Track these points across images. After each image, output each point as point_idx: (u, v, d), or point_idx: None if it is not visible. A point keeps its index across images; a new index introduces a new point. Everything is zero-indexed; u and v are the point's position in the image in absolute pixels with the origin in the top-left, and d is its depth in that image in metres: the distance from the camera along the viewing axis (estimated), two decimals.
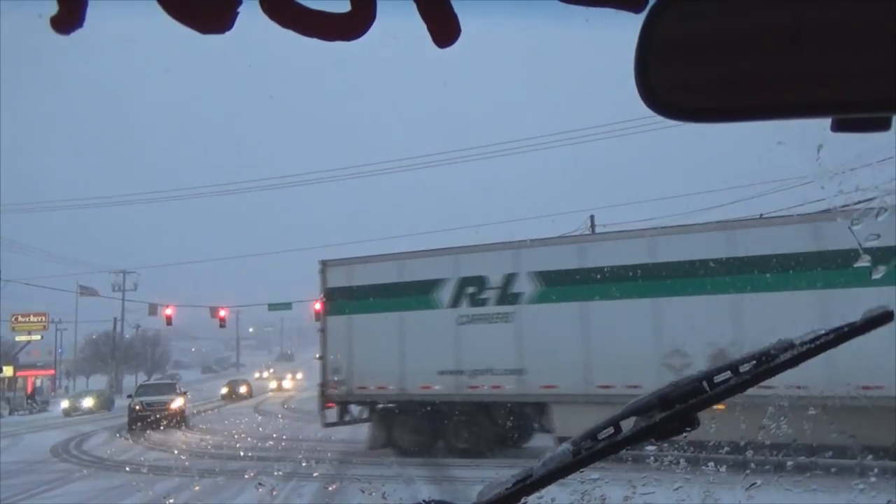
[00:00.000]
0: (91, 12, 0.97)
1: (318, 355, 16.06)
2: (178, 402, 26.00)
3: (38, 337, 63.31)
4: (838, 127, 1.04)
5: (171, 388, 28.88)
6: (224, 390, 47.15)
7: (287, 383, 54.07)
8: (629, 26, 1.02)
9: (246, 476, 11.79)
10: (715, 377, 1.29)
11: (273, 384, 54.82)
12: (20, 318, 59.43)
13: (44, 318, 61.85)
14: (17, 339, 61.30)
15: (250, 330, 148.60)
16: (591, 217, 38.12)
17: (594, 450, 1.26)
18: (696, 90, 1.03)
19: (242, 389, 46.71)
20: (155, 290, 57.60)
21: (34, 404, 42.02)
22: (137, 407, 25.22)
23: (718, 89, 1.02)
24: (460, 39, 1.09)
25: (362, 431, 15.43)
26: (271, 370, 67.51)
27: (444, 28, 1.02)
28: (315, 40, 1.03)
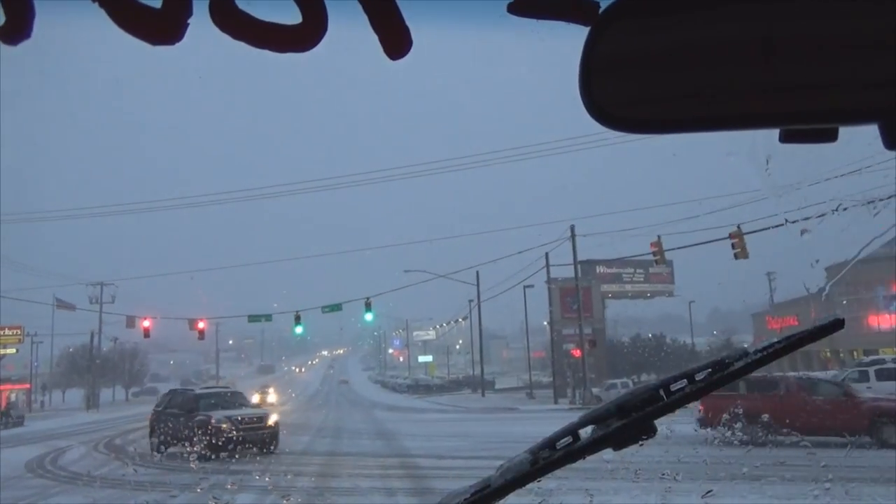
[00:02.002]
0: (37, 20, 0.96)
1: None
2: (273, 418, 19.35)
3: (13, 350, 62.47)
4: (786, 138, 1.04)
5: (242, 397, 21.90)
6: None
7: (272, 397, 50.33)
8: (580, 39, 1.03)
9: None
10: (671, 385, 1.30)
11: (256, 397, 51.99)
12: None
13: (19, 332, 61.06)
14: None
15: (230, 342, 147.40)
16: (572, 227, 38.57)
17: (552, 458, 1.27)
18: (637, 102, 1.03)
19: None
20: (133, 302, 56.91)
21: (9, 419, 41.18)
22: (224, 426, 17.48)
23: (660, 101, 1.02)
24: (418, 51, 1.10)
25: None
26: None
27: (395, 39, 1.03)
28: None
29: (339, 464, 15.87)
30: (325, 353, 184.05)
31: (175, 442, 18.08)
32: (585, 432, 1.29)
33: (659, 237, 28.86)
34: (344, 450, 18.97)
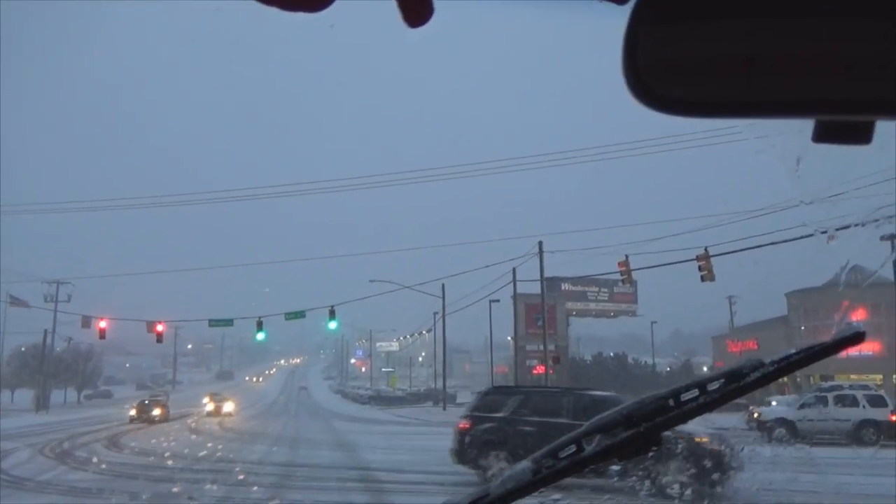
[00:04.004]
0: None
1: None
2: None
3: None
4: (819, 137, 1.00)
5: None
6: (132, 411, 39.96)
7: (229, 406, 47.50)
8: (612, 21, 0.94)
9: None
10: (682, 395, 1.25)
11: (210, 406, 47.77)
12: None
13: None
14: None
15: (189, 346, 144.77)
16: (540, 243, 38.63)
17: (555, 469, 1.22)
18: (683, 83, 0.97)
19: (156, 412, 39.68)
20: (90, 302, 55.34)
21: None
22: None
23: (706, 82, 0.97)
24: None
25: None
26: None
27: (415, 5, 0.90)
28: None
29: (296, 475, 15.48)
30: (282, 362, 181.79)
31: None
32: (590, 442, 1.24)
33: (627, 257, 29.02)
34: (301, 461, 18.54)
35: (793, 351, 1.27)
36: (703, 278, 24.34)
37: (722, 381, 1.25)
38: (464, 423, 14.07)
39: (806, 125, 1.00)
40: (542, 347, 47.39)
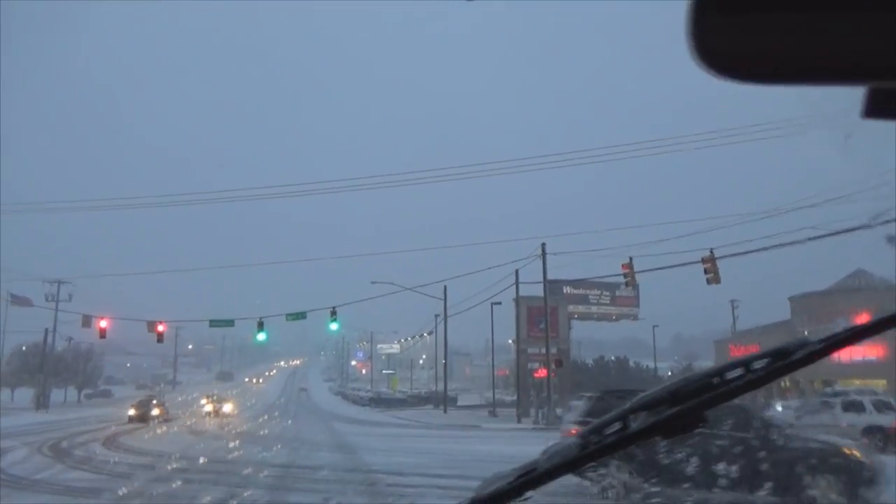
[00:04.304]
0: None
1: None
2: None
3: None
4: (870, 112, 0.96)
5: None
6: (131, 411, 39.75)
7: (228, 407, 47.35)
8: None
9: None
10: (727, 373, 1.25)
11: (209, 406, 47.60)
12: None
13: None
14: None
15: (189, 347, 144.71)
16: (543, 245, 38.45)
17: (601, 444, 1.24)
18: (747, 48, 0.94)
19: (155, 412, 39.59)
20: (91, 301, 55.24)
21: None
22: None
23: (773, 48, 0.94)
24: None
25: None
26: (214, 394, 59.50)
27: None
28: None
29: (295, 476, 15.28)
30: (282, 363, 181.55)
31: None
32: (636, 419, 1.25)
33: (631, 259, 28.81)
34: (301, 462, 18.34)
35: (838, 330, 1.26)
36: (708, 281, 24.12)
37: (768, 359, 1.25)
38: (576, 431, 11.81)
39: (855, 106, 0.96)
40: (543, 350, 47.29)
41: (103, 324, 36.61)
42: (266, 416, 47.10)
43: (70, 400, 79.23)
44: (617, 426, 1.24)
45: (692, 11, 0.91)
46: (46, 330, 65.20)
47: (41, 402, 63.76)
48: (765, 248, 22.79)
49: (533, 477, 1.23)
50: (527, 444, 24.23)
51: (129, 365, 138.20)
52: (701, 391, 1.23)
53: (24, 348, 75.58)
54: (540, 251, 37.61)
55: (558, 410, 38.36)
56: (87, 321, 38.48)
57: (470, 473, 15.10)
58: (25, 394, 72.52)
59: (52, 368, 69.34)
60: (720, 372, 1.26)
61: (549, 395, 38.27)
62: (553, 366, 39.44)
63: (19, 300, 58.78)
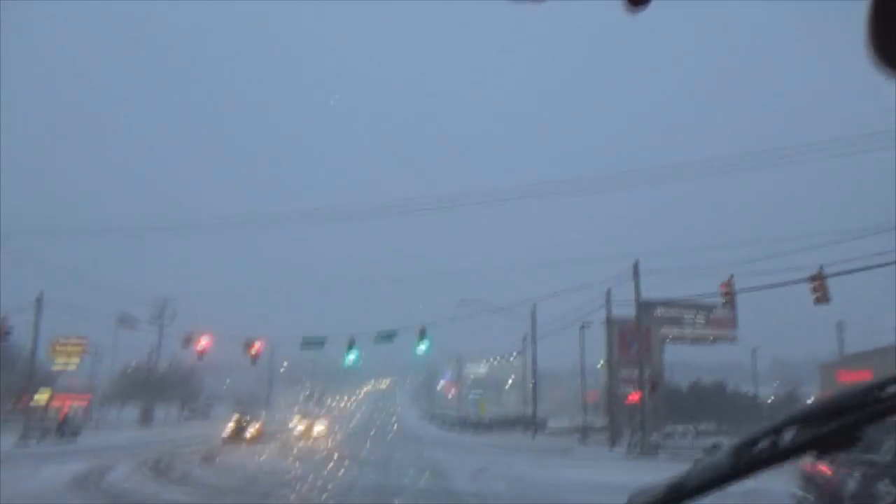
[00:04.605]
0: None
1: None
2: None
3: (74, 367, 63.91)
4: None
5: None
6: (228, 430, 40.51)
7: (320, 427, 47.93)
8: None
9: None
10: (889, 387, 1.14)
11: (301, 426, 48.61)
12: (59, 344, 60.17)
13: (82, 345, 62.48)
14: (55, 367, 62.01)
15: (284, 364, 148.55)
16: (636, 263, 37.23)
17: (754, 459, 1.18)
18: None
19: (250, 431, 40.31)
20: (192, 320, 57.54)
21: (63, 433, 41.73)
22: None
23: None
24: None
25: None
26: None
27: None
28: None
29: (385, 499, 15.05)
30: (370, 384, 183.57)
31: None
32: (789, 433, 1.18)
33: (732, 276, 27.37)
34: (391, 482, 18.17)
35: None
36: (816, 300, 22.56)
37: None
38: (824, 468, 9.63)
39: None
40: (635, 373, 45.71)
41: (202, 343, 37.85)
42: (356, 438, 47.44)
43: (172, 417, 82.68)
44: (769, 441, 1.18)
45: (872, 18, 0.89)
46: (150, 350, 68.62)
47: (145, 419, 66.91)
48: (879, 266, 21.11)
49: (683, 492, 1.20)
50: (619, 473, 23.24)
51: (228, 381, 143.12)
52: (861, 405, 1.12)
53: (129, 369, 79.28)
54: (632, 270, 36.45)
55: (653, 437, 36.87)
56: (186, 341, 39.87)
57: (563, 502, 14.49)
58: (131, 411, 76.22)
59: (156, 387, 72.65)
60: (882, 384, 1.14)
61: (643, 422, 36.80)
62: (648, 388, 37.92)
63: (128, 322, 62.04)
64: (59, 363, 62.80)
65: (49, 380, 62.96)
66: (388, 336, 37.72)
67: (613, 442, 40.28)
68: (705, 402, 53.10)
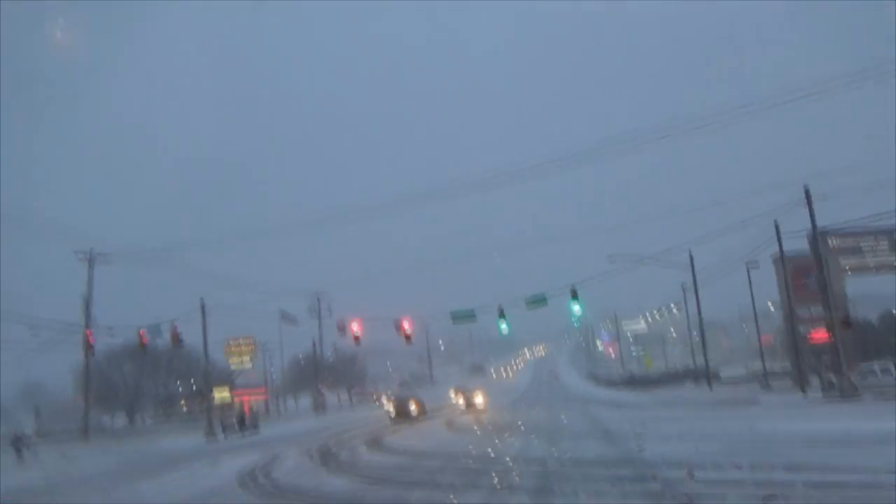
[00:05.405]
0: None
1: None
2: None
3: (249, 364, 67.91)
4: None
5: None
6: (390, 410, 40.27)
7: (479, 399, 46.07)
8: None
9: None
10: None
11: (460, 400, 47.19)
12: (232, 345, 64.02)
13: (252, 344, 66.18)
14: (233, 366, 66.13)
15: (440, 341, 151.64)
16: (806, 189, 33.06)
17: None
18: None
19: (412, 408, 39.87)
20: (345, 309, 58.99)
21: (245, 426, 43.88)
22: None
23: None
24: None
25: None
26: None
27: None
28: None
29: (559, 474, 13.47)
30: (527, 351, 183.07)
31: None
32: None
33: None
34: (566, 456, 16.50)
35: None
36: None
37: None
38: None
39: None
40: (812, 312, 41.50)
41: (355, 328, 38.32)
42: (522, 406, 46.40)
43: (344, 402, 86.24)
44: None
45: None
46: (314, 341, 71.53)
47: (318, 407, 70.03)
48: None
49: None
50: (832, 420, 20.27)
51: (389, 363, 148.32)
52: None
53: (301, 361, 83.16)
54: (804, 195, 32.44)
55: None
56: (341, 327, 40.48)
57: (778, 461, 12.25)
58: (306, 400, 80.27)
59: (324, 375, 75.91)
60: None
61: (841, 360, 32.81)
62: (839, 324, 33.78)
63: (288, 319, 64.88)
64: (235, 362, 66.87)
65: (226, 378, 67.33)
66: (540, 300, 36.19)
67: (803, 387, 36.41)
68: None
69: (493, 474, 13.86)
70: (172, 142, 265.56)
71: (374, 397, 72.15)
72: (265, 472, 17.93)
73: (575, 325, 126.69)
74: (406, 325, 35.91)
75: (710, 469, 12.09)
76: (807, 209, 32.92)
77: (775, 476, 10.81)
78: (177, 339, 38.91)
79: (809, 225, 33.63)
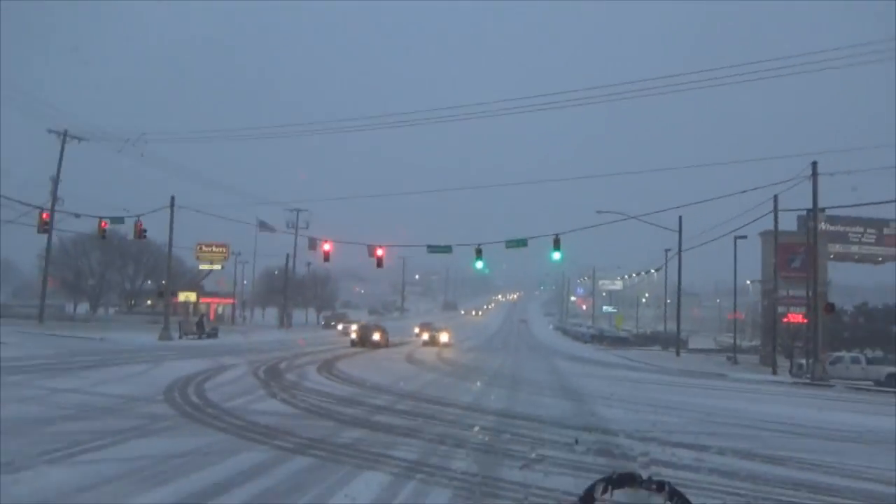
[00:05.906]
0: None
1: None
2: None
3: (219, 267, 66.19)
4: None
5: None
6: (353, 336, 40.35)
7: (444, 336, 45.60)
8: None
9: None
10: None
11: (425, 335, 46.99)
12: (204, 248, 62.26)
13: (224, 250, 64.38)
14: (201, 267, 64.48)
15: (416, 276, 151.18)
16: (814, 164, 31.59)
17: None
18: None
19: (376, 337, 39.88)
20: (325, 228, 57.40)
21: (202, 330, 42.78)
22: None
23: None
24: None
25: None
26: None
27: None
28: None
29: (512, 429, 12.30)
30: (500, 296, 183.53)
31: None
32: None
33: None
34: (519, 410, 15.38)
35: None
36: None
37: None
38: None
39: None
40: (793, 293, 40.63)
41: (326, 247, 36.87)
42: (485, 349, 45.62)
43: (310, 320, 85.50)
44: None
45: None
46: (287, 255, 70.07)
47: (284, 322, 69.15)
48: None
49: None
50: (805, 407, 19.19)
51: (362, 291, 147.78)
52: None
53: (275, 273, 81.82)
54: (811, 171, 30.92)
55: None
56: (312, 244, 38.98)
57: (743, 445, 11.09)
58: (272, 313, 79.37)
59: (293, 291, 74.76)
60: None
61: (815, 345, 32.00)
62: (820, 308, 32.83)
63: (266, 227, 63.04)
64: (205, 265, 65.26)
65: (195, 281, 65.99)
66: (520, 242, 34.75)
67: (774, 367, 35.73)
68: (874, 327, 46.52)
69: (438, 422, 12.64)
70: (163, 20, 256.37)
71: (335, 322, 71.17)
72: (199, 385, 16.65)
73: (553, 274, 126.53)
74: (379, 251, 34.41)
75: (664, 445, 10.90)
76: (802, 188, 31.42)
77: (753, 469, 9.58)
78: (140, 231, 37.12)
79: (801, 207, 32.24)
